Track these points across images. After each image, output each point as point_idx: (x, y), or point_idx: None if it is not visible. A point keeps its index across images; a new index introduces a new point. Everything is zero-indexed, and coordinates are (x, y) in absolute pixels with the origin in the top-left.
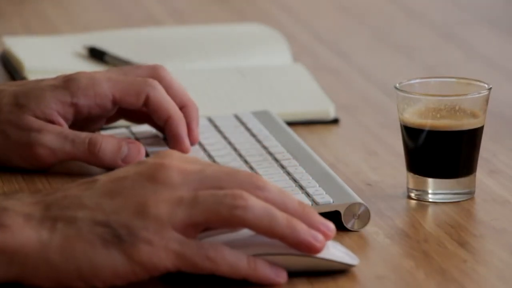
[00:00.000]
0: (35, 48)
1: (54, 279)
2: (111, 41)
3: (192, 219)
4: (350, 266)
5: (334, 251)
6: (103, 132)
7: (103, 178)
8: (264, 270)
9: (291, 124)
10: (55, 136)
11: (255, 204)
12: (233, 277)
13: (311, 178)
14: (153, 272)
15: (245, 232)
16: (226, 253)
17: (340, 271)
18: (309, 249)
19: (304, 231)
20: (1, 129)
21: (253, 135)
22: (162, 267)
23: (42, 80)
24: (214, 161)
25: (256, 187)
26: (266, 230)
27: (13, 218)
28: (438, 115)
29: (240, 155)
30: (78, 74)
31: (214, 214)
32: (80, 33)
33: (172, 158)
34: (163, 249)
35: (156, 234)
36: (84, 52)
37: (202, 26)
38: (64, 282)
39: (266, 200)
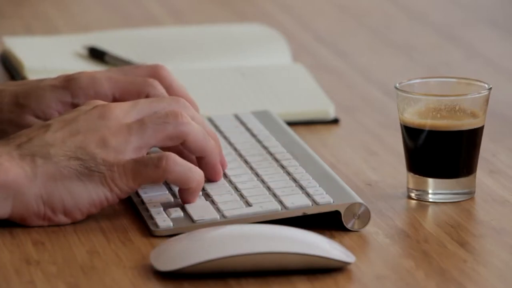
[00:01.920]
0: (35, 48)
1: (40, 214)
2: (111, 41)
3: (145, 141)
4: (347, 263)
5: (331, 250)
6: None
7: (55, 122)
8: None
9: (291, 124)
10: None
11: (190, 121)
12: (183, 185)
13: (311, 178)
14: (120, 193)
15: (246, 231)
16: (176, 161)
17: (340, 271)
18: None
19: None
20: (1, 128)
21: (253, 135)
22: (127, 187)
23: (42, 80)
24: None
25: (184, 107)
26: (202, 144)
27: (2, 157)
28: (438, 115)
29: (240, 155)
30: (78, 74)
31: (162, 133)
32: (80, 33)
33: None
34: (122, 172)
35: (115, 161)
36: (84, 52)
37: (202, 26)
38: (48, 217)
39: (193, 118)
